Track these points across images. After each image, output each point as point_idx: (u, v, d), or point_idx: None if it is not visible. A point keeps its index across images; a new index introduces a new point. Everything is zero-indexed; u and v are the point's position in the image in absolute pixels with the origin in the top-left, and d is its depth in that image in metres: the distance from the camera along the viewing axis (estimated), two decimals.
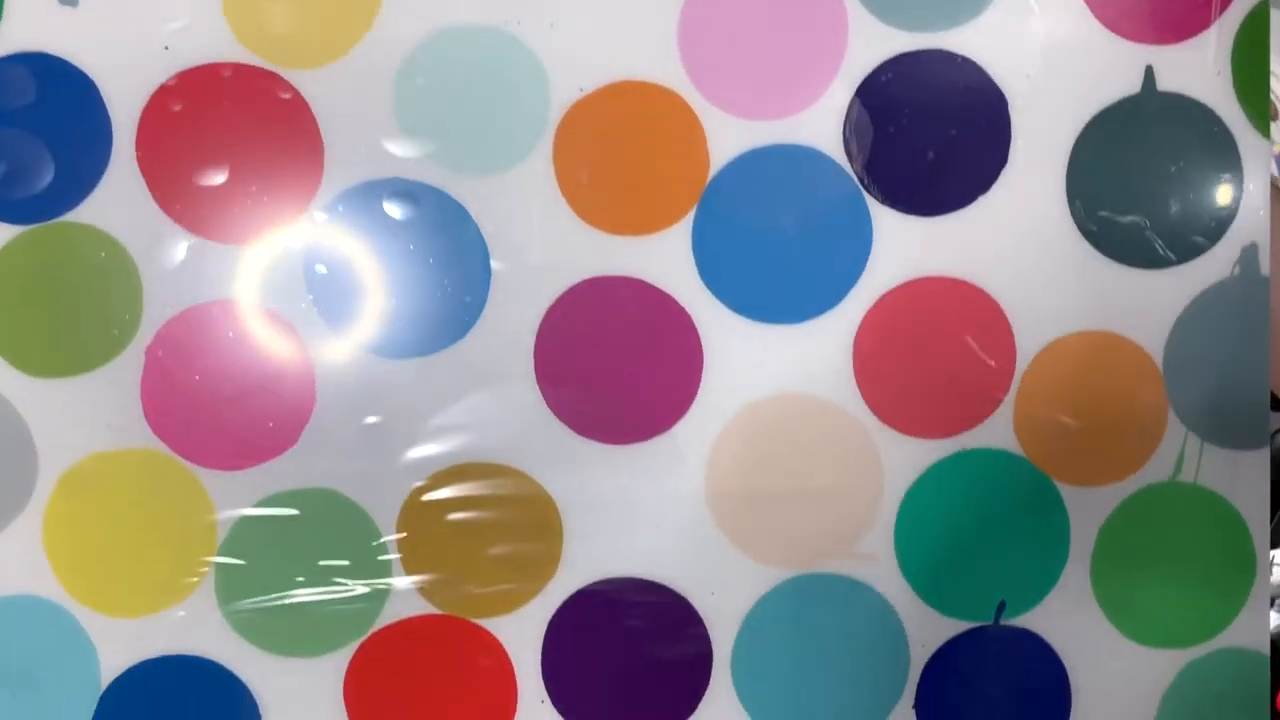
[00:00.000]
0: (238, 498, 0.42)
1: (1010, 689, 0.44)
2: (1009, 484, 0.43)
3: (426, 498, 0.42)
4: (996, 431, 0.43)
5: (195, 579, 0.42)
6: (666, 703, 0.43)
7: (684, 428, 0.43)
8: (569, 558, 0.43)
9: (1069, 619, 0.44)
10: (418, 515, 0.42)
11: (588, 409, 0.42)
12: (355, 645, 0.42)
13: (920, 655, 0.44)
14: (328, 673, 0.42)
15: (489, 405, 0.42)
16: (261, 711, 0.42)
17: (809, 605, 0.43)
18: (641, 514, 0.43)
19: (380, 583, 0.42)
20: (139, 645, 0.42)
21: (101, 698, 0.42)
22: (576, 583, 0.43)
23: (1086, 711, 0.44)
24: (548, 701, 0.43)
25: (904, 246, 0.43)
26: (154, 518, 0.42)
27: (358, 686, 0.42)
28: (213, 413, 0.42)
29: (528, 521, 0.43)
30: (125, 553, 0.42)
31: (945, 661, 0.44)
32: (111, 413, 0.41)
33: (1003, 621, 0.44)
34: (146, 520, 0.42)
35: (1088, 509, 0.44)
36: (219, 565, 0.42)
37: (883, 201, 0.42)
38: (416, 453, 0.42)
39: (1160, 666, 0.45)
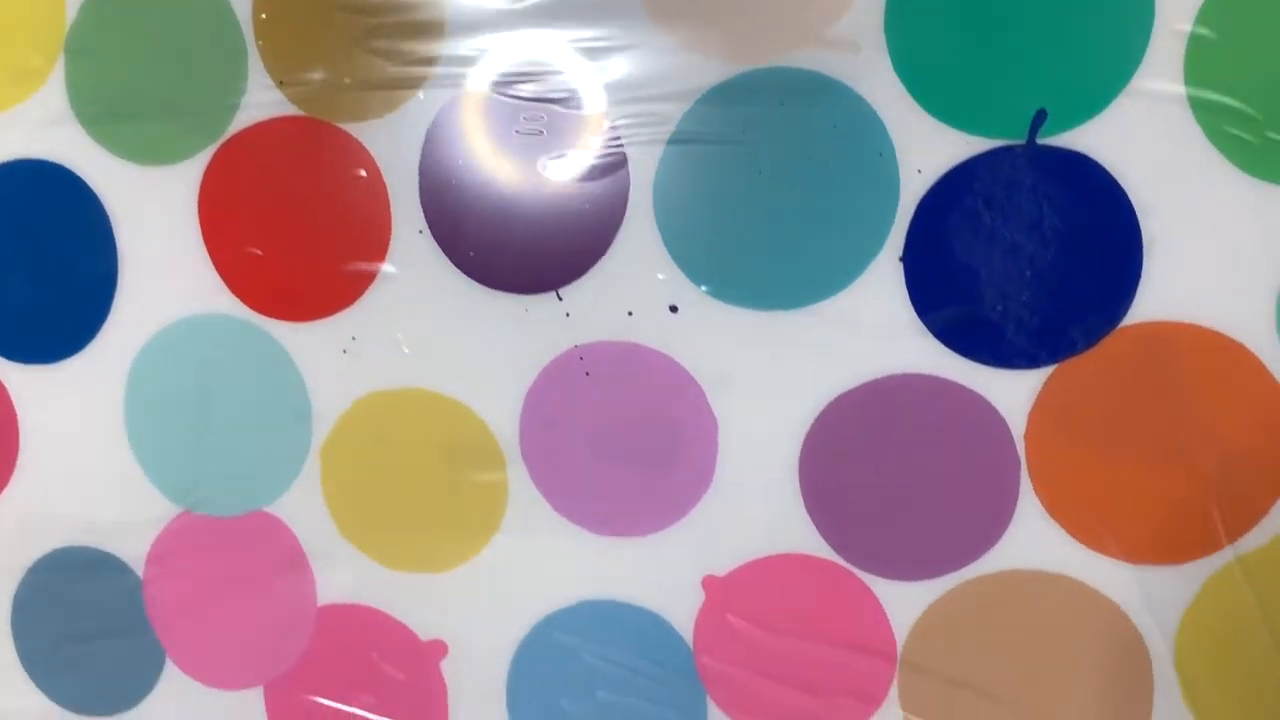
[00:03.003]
0: None
1: (1047, 236, 0.31)
2: None
3: None
4: None
5: (44, 69, 0.36)
6: (568, 237, 0.33)
7: None
8: (453, 52, 0.33)
9: (1143, 138, 0.29)
10: None
11: None
12: (210, 151, 0.35)
13: (915, 186, 0.31)
14: (181, 181, 0.35)
15: None
16: (112, 222, 0.36)
17: (761, 112, 0.32)
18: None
19: (236, 75, 0.35)
20: None
21: None
22: (463, 81, 0.33)
23: (1164, 270, 0.30)
24: (426, 232, 0.34)
25: None
26: None
27: (213, 197, 0.35)
28: None
29: (408, 7, 0.33)
30: None
31: (950, 195, 0.31)
32: None
33: (1041, 139, 0.30)
34: None
35: None
36: (70, 55, 0.36)
37: None
38: None
39: None
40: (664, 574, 0.34)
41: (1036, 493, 0.32)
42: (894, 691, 0.33)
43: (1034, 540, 0.32)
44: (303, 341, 0.36)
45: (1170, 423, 0.31)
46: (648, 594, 0.35)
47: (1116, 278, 0.30)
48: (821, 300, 0.32)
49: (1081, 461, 0.31)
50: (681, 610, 0.34)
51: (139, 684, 0.39)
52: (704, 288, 0.33)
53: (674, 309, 0.33)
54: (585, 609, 0.35)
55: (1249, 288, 0.30)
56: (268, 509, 0.37)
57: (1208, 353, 0.30)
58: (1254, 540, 0.31)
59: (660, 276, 0.33)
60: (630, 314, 0.33)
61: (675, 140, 0.32)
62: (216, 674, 0.38)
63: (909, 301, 0.32)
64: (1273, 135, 0.29)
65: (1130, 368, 0.31)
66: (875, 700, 0.33)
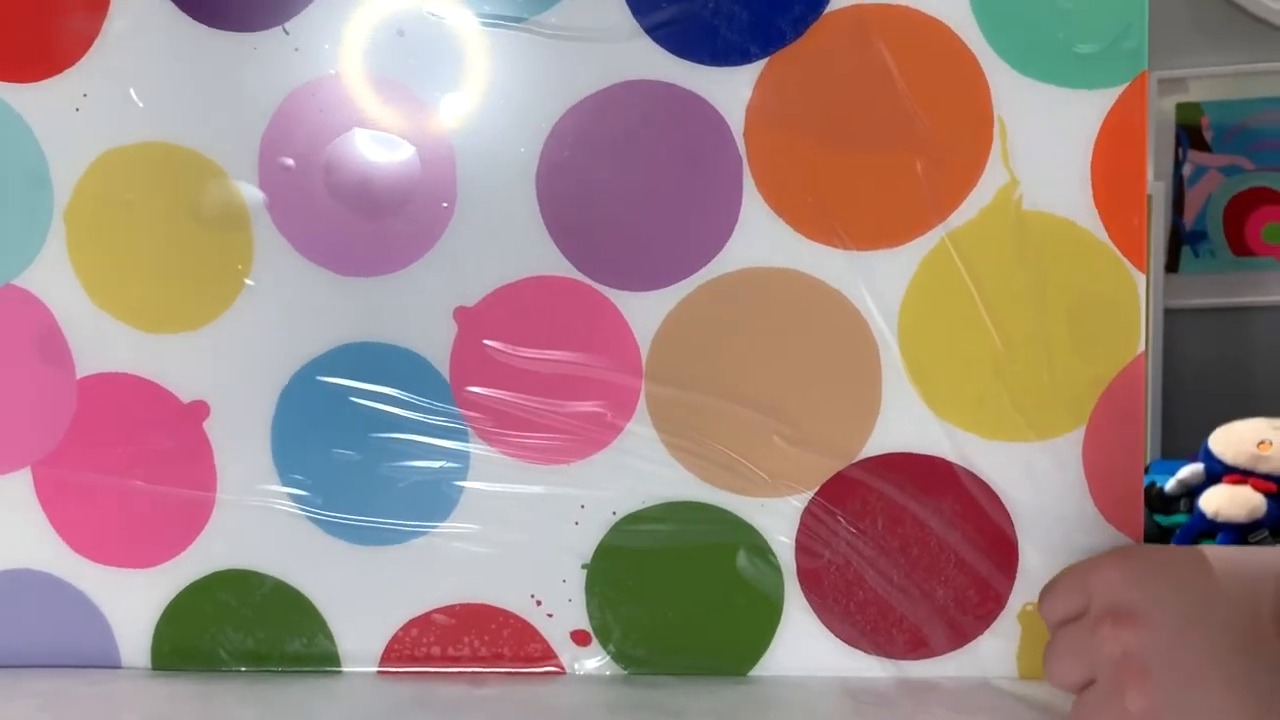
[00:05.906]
0: None
1: None
2: None
3: None
4: None
5: None
6: None
7: None
8: None
9: None
10: None
11: None
12: None
13: None
14: None
15: None
16: None
17: None
18: None
19: None
20: None
21: None
22: None
23: None
24: None
25: None
26: None
27: None
28: None
29: None
30: None
31: None
32: None
33: None
34: None
35: None
36: None
37: None
38: None
39: None
40: (416, 310, 0.34)
41: (759, 190, 0.32)
42: (642, 405, 0.34)
43: (760, 238, 0.33)
44: (33, 102, 0.35)
45: (880, 108, 0.32)
46: (402, 332, 0.35)
47: None
48: (542, 11, 0.32)
49: (801, 154, 0.32)
50: (437, 345, 0.35)
51: None
52: (429, 10, 0.33)
53: (401, 33, 0.33)
54: (343, 353, 0.35)
55: None
56: (15, 282, 0.36)
57: (910, 34, 0.31)
58: (962, 216, 0.32)
59: None
60: (358, 42, 0.33)
61: None
62: None
63: (625, 4, 0.32)
64: None
65: (839, 54, 0.31)
66: (626, 414, 0.34)
